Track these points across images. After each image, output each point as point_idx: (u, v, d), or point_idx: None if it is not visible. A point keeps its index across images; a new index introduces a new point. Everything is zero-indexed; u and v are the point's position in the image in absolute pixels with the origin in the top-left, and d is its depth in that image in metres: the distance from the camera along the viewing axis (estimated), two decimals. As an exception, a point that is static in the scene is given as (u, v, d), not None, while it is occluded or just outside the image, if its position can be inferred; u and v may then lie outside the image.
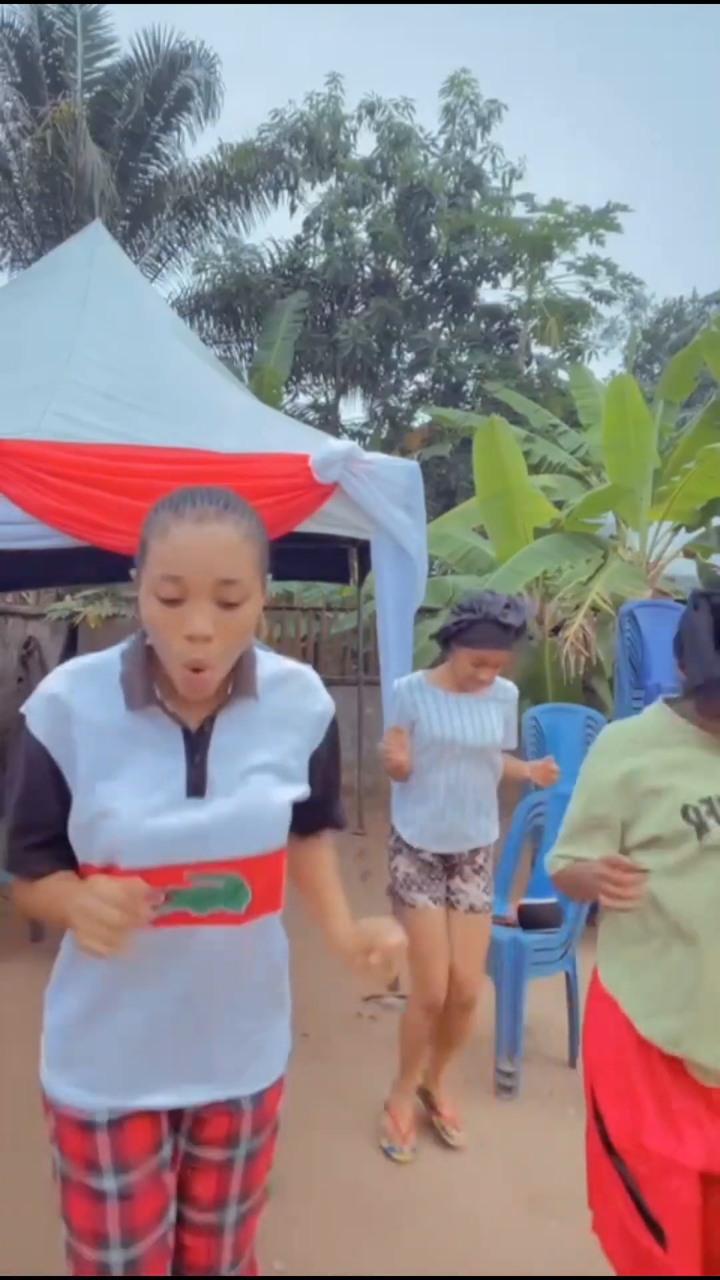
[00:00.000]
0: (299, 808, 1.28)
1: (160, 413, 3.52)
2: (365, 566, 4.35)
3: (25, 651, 8.21)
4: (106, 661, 1.21)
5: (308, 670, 1.33)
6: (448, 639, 2.64)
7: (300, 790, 1.27)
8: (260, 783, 1.21)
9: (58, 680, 1.19)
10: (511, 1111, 2.97)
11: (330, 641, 8.40)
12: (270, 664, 1.28)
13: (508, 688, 2.77)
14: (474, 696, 2.68)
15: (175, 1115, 1.28)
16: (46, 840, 1.20)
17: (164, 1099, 1.24)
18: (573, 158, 43.60)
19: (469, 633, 2.54)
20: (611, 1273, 1.66)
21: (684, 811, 1.56)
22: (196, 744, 1.18)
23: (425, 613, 3.94)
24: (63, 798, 1.18)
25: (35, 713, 1.17)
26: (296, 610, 8.49)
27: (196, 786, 1.16)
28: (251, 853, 1.20)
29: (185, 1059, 1.24)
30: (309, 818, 1.33)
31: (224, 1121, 1.29)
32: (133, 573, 1.15)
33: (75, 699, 1.16)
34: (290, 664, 1.32)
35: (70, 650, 7.90)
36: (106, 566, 4.31)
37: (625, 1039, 1.60)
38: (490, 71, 37.50)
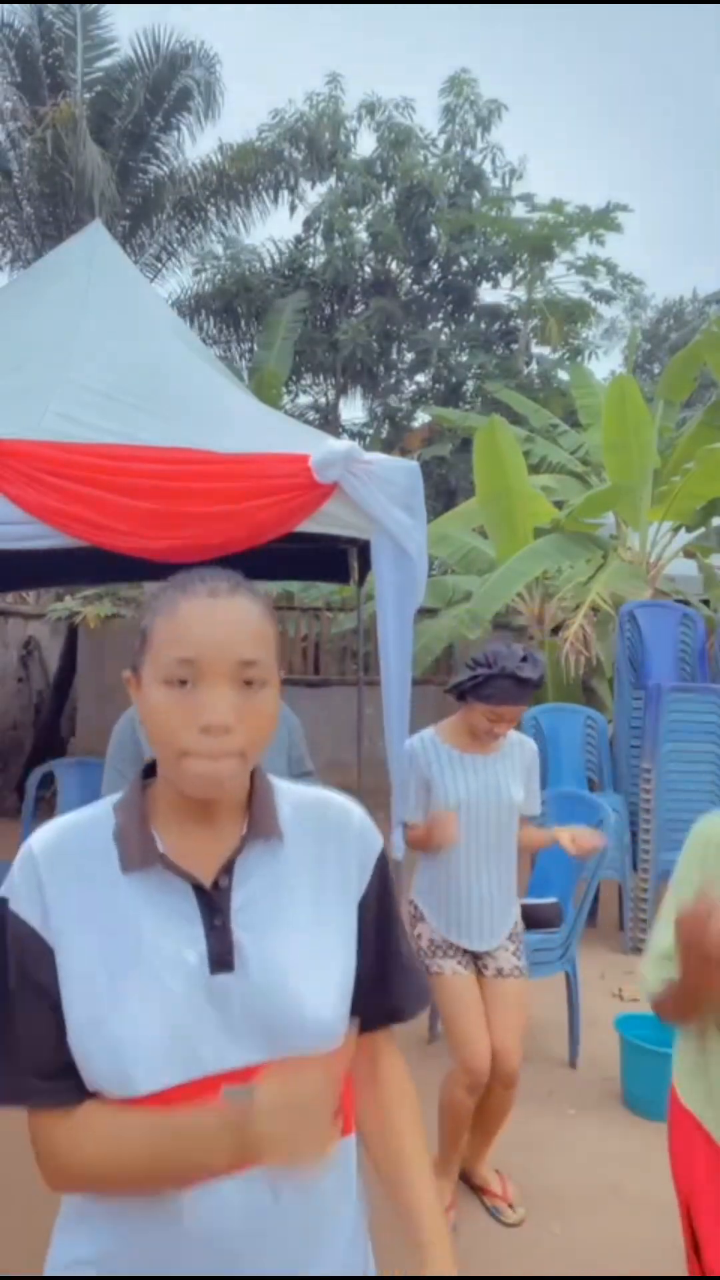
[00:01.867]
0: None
1: (160, 413, 3.52)
2: (365, 566, 4.34)
3: (25, 651, 8.22)
4: (94, 819, 0.96)
5: (339, 797, 1.06)
6: (462, 694, 2.49)
7: (352, 958, 0.99)
8: (304, 950, 0.94)
9: (33, 853, 0.93)
10: (512, 1112, 2.98)
11: (330, 641, 8.40)
12: (291, 794, 1.03)
13: (527, 745, 2.61)
14: (490, 755, 2.54)
15: None
16: (64, 1062, 0.89)
17: None
18: (573, 158, 43.61)
19: (485, 688, 2.41)
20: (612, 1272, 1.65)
21: None
22: (213, 902, 0.92)
23: (425, 613, 3.94)
24: (55, 1008, 0.90)
25: (17, 891, 0.92)
26: (296, 610, 8.49)
27: (221, 958, 0.90)
28: (303, 1049, 0.91)
29: None
30: (359, 1003, 0.99)
31: None
32: (126, 675, 0.95)
33: (51, 889, 0.91)
34: (316, 790, 1.06)
35: (70, 650, 7.91)
36: (106, 566, 4.31)
37: (714, 1158, 1.46)
38: (490, 71, 37.52)
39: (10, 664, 8.23)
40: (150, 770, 0.99)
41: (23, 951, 0.90)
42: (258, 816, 0.97)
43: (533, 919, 3.07)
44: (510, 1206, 2.51)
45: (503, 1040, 2.40)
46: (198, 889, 0.92)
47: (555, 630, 6.59)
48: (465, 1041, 2.38)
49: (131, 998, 0.88)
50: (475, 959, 2.52)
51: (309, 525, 3.41)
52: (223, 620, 0.90)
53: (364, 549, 4.03)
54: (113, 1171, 0.87)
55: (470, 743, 2.54)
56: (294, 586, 8.44)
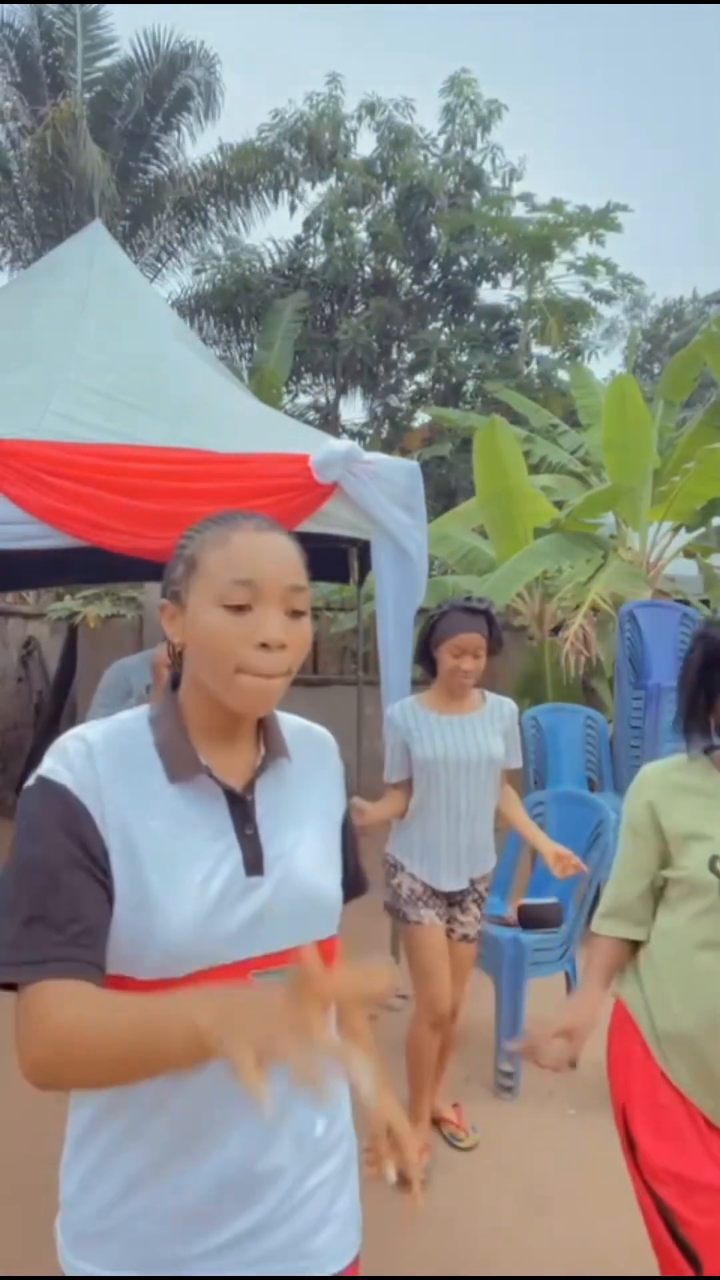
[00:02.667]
0: None
1: (160, 413, 3.52)
2: (365, 566, 4.34)
3: (25, 651, 8.22)
4: (129, 730, 1.02)
5: (317, 727, 1.22)
6: (426, 650, 2.68)
7: (339, 860, 1.15)
8: (310, 852, 1.07)
9: (79, 744, 0.98)
10: (511, 1111, 2.98)
11: (330, 641, 8.39)
12: (285, 720, 1.17)
13: (505, 704, 2.76)
14: (467, 715, 2.69)
15: None
16: (77, 936, 0.91)
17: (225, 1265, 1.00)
18: (573, 158, 43.61)
19: (441, 626, 2.61)
20: (612, 1272, 1.66)
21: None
22: (244, 812, 1.02)
23: (425, 613, 3.93)
24: (102, 882, 0.94)
25: (73, 768, 0.96)
26: (296, 610, 8.49)
27: (254, 864, 1.00)
28: (318, 937, 1.04)
29: (256, 1228, 1.01)
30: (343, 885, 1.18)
31: None
32: (163, 603, 1.03)
33: (105, 776, 0.96)
34: (300, 720, 1.21)
35: (70, 650, 7.90)
36: (106, 566, 4.32)
37: (650, 1069, 1.62)
38: (490, 71, 37.50)
39: (10, 664, 8.23)
40: (174, 683, 1.07)
41: (75, 820, 0.93)
42: (273, 738, 1.09)
43: (533, 919, 3.07)
44: (464, 1131, 2.82)
45: (456, 988, 2.75)
46: (231, 799, 1.02)
47: (555, 630, 6.58)
48: (432, 985, 2.66)
49: (174, 893, 0.95)
50: (447, 918, 2.74)
51: (309, 525, 3.41)
52: (273, 550, 0.99)
53: (364, 549, 4.04)
54: (89, 1036, 0.82)
55: (448, 705, 2.70)
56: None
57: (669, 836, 1.63)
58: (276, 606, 0.98)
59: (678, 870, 1.61)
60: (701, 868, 1.56)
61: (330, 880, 1.09)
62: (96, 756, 0.97)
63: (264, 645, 0.96)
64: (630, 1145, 1.62)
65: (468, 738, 2.66)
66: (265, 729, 1.10)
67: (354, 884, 1.22)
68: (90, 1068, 0.83)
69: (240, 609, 0.96)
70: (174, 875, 0.95)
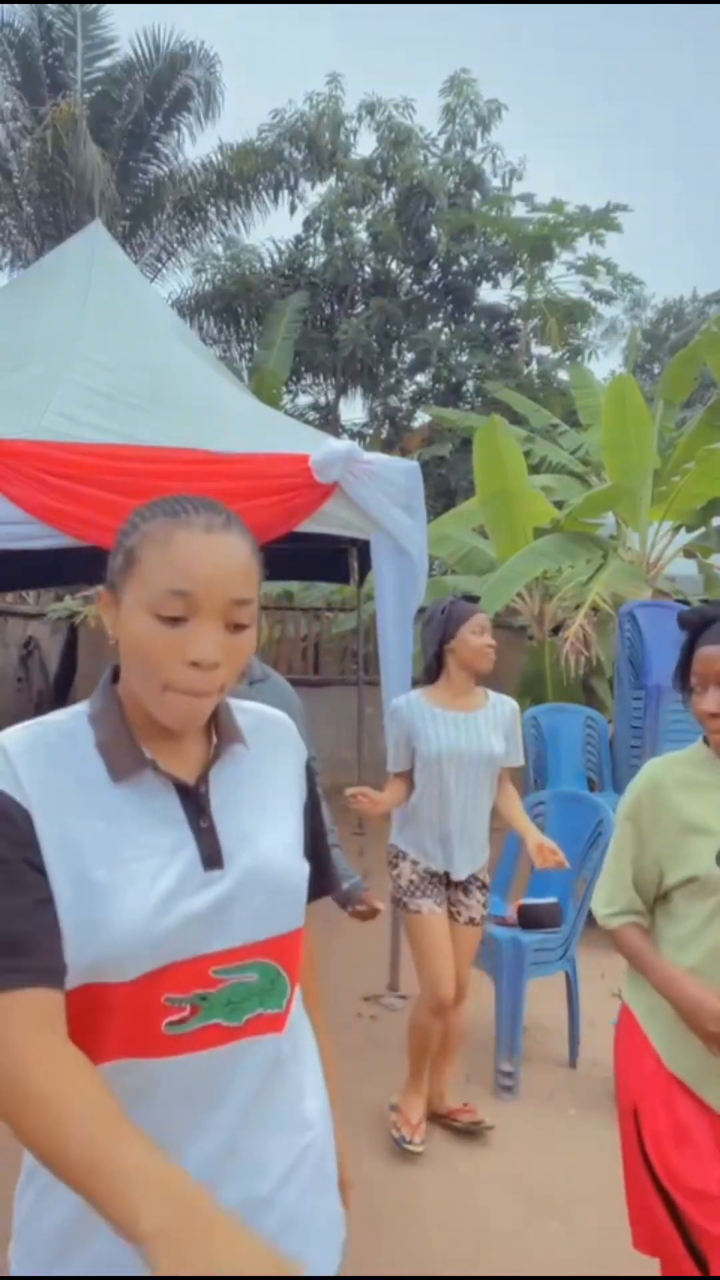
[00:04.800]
0: None
1: (160, 413, 3.52)
2: (365, 566, 4.34)
3: (25, 651, 8.22)
4: (65, 729, 0.95)
5: (277, 713, 1.15)
6: (439, 649, 2.75)
7: (302, 848, 1.09)
8: (275, 841, 1.02)
9: (9, 747, 0.91)
10: (511, 1111, 2.97)
11: (330, 641, 8.40)
12: (237, 706, 1.11)
13: (506, 702, 2.82)
14: (471, 712, 2.74)
15: None
16: (37, 939, 0.86)
17: None
18: (573, 158, 43.61)
19: (454, 615, 2.71)
20: (612, 1272, 1.66)
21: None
22: (198, 806, 0.97)
23: (425, 613, 3.94)
24: (44, 888, 0.87)
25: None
26: (296, 610, 8.49)
27: (212, 857, 0.95)
28: (282, 930, 0.99)
29: None
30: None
31: None
32: (100, 591, 0.96)
33: (31, 784, 0.89)
34: (255, 706, 1.13)
35: (70, 650, 7.90)
36: (106, 566, 4.30)
37: (662, 1075, 1.61)
38: (490, 71, 37.52)
39: (10, 664, 8.23)
40: (114, 675, 1.00)
41: (10, 825, 0.87)
42: (225, 727, 1.03)
43: (533, 919, 3.07)
44: (473, 1114, 2.84)
45: (461, 969, 2.79)
46: (182, 793, 0.96)
47: (555, 630, 6.59)
48: (434, 972, 2.71)
49: (124, 893, 0.88)
50: (450, 904, 2.80)
51: (309, 525, 3.42)
52: (218, 557, 0.91)
53: (364, 549, 4.04)
54: (40, 1122, 0.76)
55: (452, 701, 2.76)
56: (294, 586, 8.44)
57: (671, 831, 1.61)
58: (214, 621, 0.90)
59: (684, 869, 1.58)
60: (710, 864, 1.54)
61: (298, 864, 1.04)
62: (17, 767, 0.89)
63: (194, 664, 0.89)
64: (641, 1147, 1.60)
65: (470, 734, 2.71)
66: (216, 717, 1.03)
67: (319, 882, 1.12)
68: (27, 1138, 0.77)
69: (174, 620, 0.89)
70: (122, 873, 0.89)
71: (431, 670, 2.80)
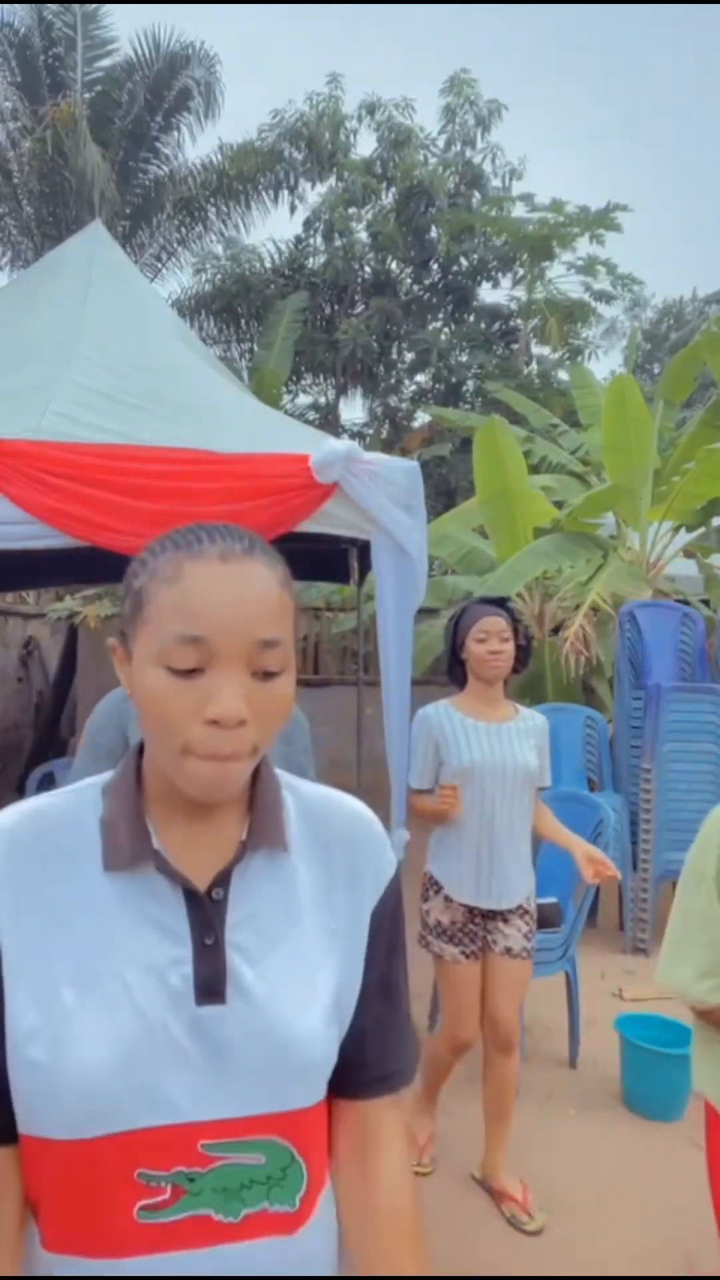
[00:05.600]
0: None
1: (160, 413, 3.52)
2: (365, 566, 4.34)
3: (25, 651, 8.22)
4: (75, 802, 0.81)
5: (352, 800, 0.90)
6: (454, 653, 2.62)
7: (353, 998, 0.83)
8: (304, 980, 0.79)
9: None
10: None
11: (330, 641, 8.39)
12: (298, 791, 0.88)
13: (537, 717, 2.65)
14: (502, 724, 2.57)
15: None
16: None
17: None
18: (573, 158, 43.61)
19: (462, 620, 2.59)
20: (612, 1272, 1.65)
21: None
22: (206, 916, 0.77)
23: (425, 613, 3.94)
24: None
25: None
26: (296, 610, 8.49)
27: (210, 986, 0.76)
28: (299, 1103, 0.78)
29: None
30: (356, 1057, 0.84)
31: None
32: (111, 643, 0.79)
33: (11, 876, 0.76)
34: (325, 791, 0.89)
35: (70, 650, 7.90)
36: (106, 566, 4.31)
37: None
38: (490, 71, 37.54)
39: (10, 664, 8.23)
40: (142, 748, 0.83)
41: None
42: (261, 821, 0.82)
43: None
44: (529, 1215, 2.48)
45: (504, 1012, 2.53)
46: (190, 897, 0.78)
47: (555, 630, 6.59)
48: (458, 1018, 2.56)
49: (94, 1018, 0.73)
50: (486, 935, 2.56)
51: (309, 525, 3.41)
52: (237, 591, 0.73)
53: (364, 549, 4.04)
54: None
55: (483, 711, 2.59)
56: (294, 586, 8.43)
57: None
58: (236, 669, 0.72)
59: None
60: None
61: (314, 1027, 0.79)
62: (1, 860, 0.76)
63: (214, 722, 0.71)
64: None
65: (504, 746, 2.54)
66: (255, 805, 0.83)
67: (385, 1065, 0.86)
68: None
69: (188, 673, 0.72)
70: (94, 998, 0.73)
71: (454, 675, 2.66)
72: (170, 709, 0.72)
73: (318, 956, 0.81)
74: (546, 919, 3.11)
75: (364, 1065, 0.84)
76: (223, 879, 0.79)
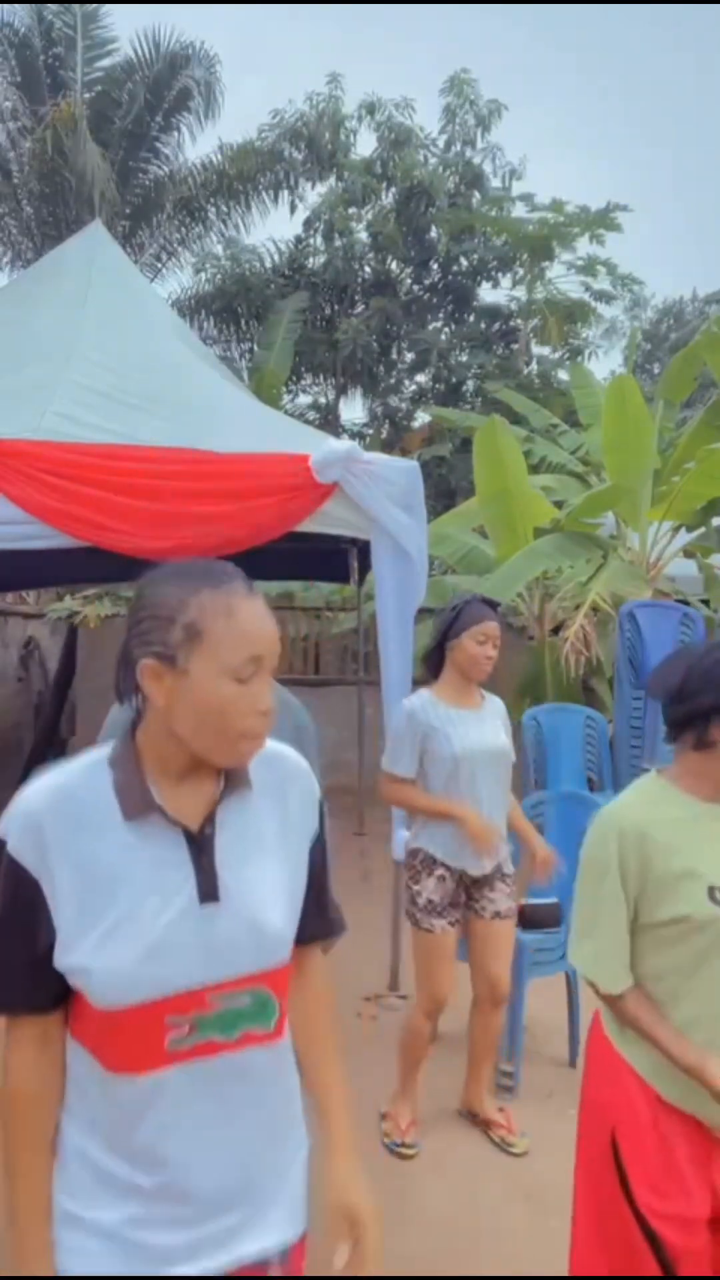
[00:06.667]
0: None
1: (160, 413, 3.52)
2: (365, 566, 4.34)
3: (25, 651, 8.22)
4: (90, 769, 1.09)
5: (288, 749, 1.23)
6: (442, 643, 2.75)
7: (303, 885, 1.19)
8: (272, 882, 1.12)
9: (35, 799, 1.06)
10: (512, 1111, 2.97)
11: (330, 641, 8.39)
12: None
13: (495, 699, 2.87)
14: (478, 710, 2.77)
15: None
16: (42, 979, 1.06)
17: (198, 1266, 1.08)
18: (573, 158, 43.60)
19: (465, 615, 2.70)
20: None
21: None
22: (201, 847, 1.07)
23: (425, 613, 3.93)
24: (48, 931, 1.04)
25: (16, 836, 1.04)
26: (296, 610, 8.49)
27: (208, 892, 1.06)
28: (273, 963, 1.11)
29: (225, 1211, 1.09)
30: (303, 922, 1.19)
31: None
32: (149, 664, 1.03)
33: (54, 828, 1.04)
34: (275, 745, 1.20)
35: (70, 650, 7.91)
36: (106, 566, 4.32)
37: (636, 1091, 1.58)
38: (491, 71, 37.53)
39: (10, 664, 8.24)
40: (133, 726, 1.12)
41: (17, 886, 1.04)
42: (232, 771, 1.12)
43: (533, 919, 3.07)
44: (514, 1135, 2.79)
45: (498, 970, 2.78)
46: (188, 835, 1.07)
47: (555, 630, 6.59)
48: (439, 981, 2.71)
49: (125, 922, 1.02)
50: (473, 902, 2.76)
51: (309, 525, 3.41)
52: (268, 619, 1.07)
53: (364, 549, 4.04)
54: (6, 1158, 1.07)
55: (461, 699, 2.75)
56: (294, 586, 8.43)
57: (661, 877, 1.53)
58: (268, 676, 1.06)
59: (670, 911, 1.52)
60: (701, 904, 1.49)
61: (279, 915, 1.12)
62: (44, 818, 1.04)
63: (264, 713, 1.05)
64: (619, 1170, 1.57)
65: (485, 730, 2.74)
66: None
67: (320, 924, 1.25)
68: None
69: (246, 680, 1.04)
70: (127, 906, 1.03)
71: (431, 660, 2.79)
72: (238, 708, 1.03)
73: (278, 864, 1.15)
74: (546, 919, 3.11)
75: (304, 926, 1.19)
76: (209, 819, 1.09)
